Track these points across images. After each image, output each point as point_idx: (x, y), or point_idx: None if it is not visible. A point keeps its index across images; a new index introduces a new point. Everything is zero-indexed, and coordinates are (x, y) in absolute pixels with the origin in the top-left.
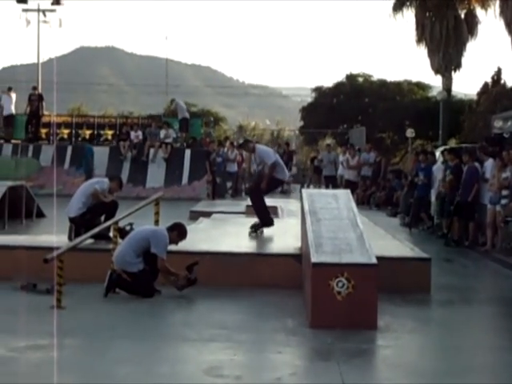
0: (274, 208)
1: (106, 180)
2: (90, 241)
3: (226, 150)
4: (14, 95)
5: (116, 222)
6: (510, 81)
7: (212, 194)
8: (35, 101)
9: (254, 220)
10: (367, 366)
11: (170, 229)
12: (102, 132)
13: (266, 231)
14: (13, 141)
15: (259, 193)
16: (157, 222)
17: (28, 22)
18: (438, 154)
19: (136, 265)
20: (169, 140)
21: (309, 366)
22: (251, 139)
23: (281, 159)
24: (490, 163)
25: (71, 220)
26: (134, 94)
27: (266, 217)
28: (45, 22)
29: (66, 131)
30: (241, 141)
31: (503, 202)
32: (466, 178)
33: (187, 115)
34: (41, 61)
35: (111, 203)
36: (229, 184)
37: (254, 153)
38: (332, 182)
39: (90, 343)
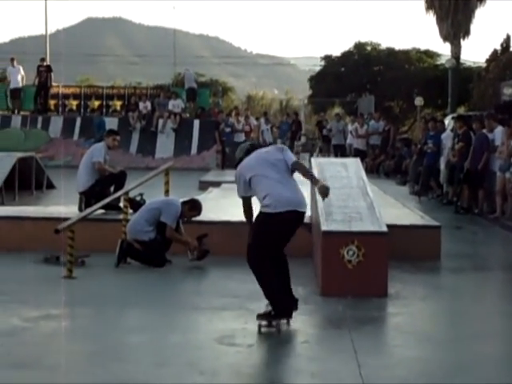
0: None
1: (101, 145)
2: (101, 211)
3: (233, 119)
4: (20, 67)
5: (126, 193)
6: None
7: (221, 163)
8: (44, 72)
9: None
10: (378, 333)
11: (184, 202)
12: (110, 103)
13: None
14: (22, 112)
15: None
16: (167, 192)
17: None
18: (447, 121)
19: (147, 233)
20: (177, 110)
21: (320, 334)
22: None
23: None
24: (499, 130)
25: (81, 193)
26: (141, 65)
27: (277, 300)
28: None
29: (75, 102)
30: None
31: None
32: (475, 146)
33: (194, 85)
34: (48, 32)
35: (120, 174)
36: None
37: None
38: (341, 151)
39: (102, 313)
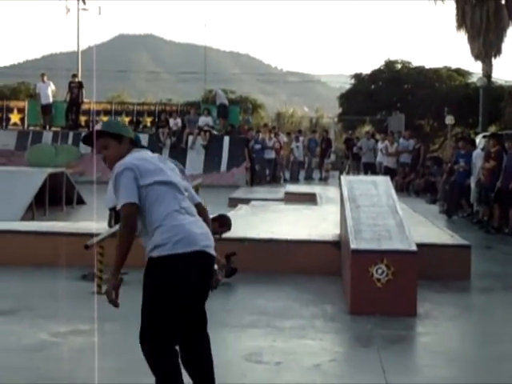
0: (313, 195)
1: None
2: None
3: (263, 136)
4: (50, 82)
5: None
6: None
7: (250, 180)
8: (75, 88)
9: (293, 207)
10: (407, 353)
11: (213, 219)
12: (140, 119)
13: (306, 218)
14: (53, 128)
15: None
16: None
17: (68, 10)
18: (477, 140)
19: None
20: (207, 127)
21: (348, 353)
22: None
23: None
24: None
25: (111, 209)
26: (172, 82)
27: None
28: (84, 9)
29: (106, 118)
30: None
31: None
32: (507, 165)
33: (226, 102)
34: (80, 49)
35: None
36: (267, 171)
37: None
38: (371, 169)
39: (131, 328)
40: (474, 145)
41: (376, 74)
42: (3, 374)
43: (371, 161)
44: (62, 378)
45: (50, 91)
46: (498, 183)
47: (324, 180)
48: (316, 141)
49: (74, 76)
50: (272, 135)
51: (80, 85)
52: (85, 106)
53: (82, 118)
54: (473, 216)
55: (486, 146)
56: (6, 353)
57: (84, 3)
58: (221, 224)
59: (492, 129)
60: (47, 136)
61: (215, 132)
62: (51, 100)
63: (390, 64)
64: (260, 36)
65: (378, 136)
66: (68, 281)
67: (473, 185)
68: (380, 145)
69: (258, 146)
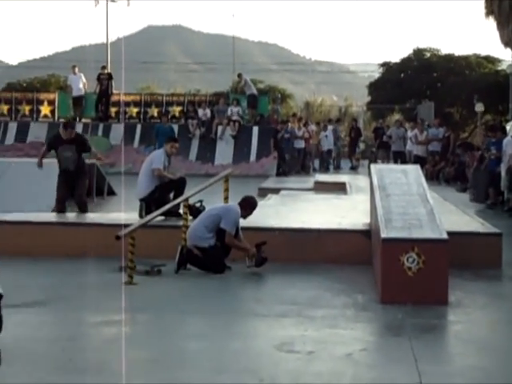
0: (343, 184)
1: (160, 151)
2: (161, 218)
3: (292, 126)
4: (81, 74)
5: (186, 199)
6: None
7: (277, 171)
8: (104, 80)
9: (323, 196)
10: (438, 342)
11: (240, 204)
12: (170, 109)
13: (336, 207)
14: (83, 120)
15: None
16: (226, 199)
17: (97, 2)
18: (508, 127)
19: (207, 240)
20: (235, 117)
21: (380, 342)
22: None
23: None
24: None
25: (141, 200)
26: (201, 72)
27: None
28: (113, 1)
29: (135, 110)
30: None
31: None
32: None
33: (255, 92)
34: (109, 40)
35: (179, 180)
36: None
37: None
38: (401, 158)
39: (162, 319)
40: (504, 132)
41: (405, 62)
42: (36, 365)
43: (401, 149)
44: (93, 369)
45: (81, 84)
46: None
47: (354, 169)
48: (337, 130)
49: (104, 68)
50: (301, 125)
51: (109, 76)
52: (114, 98)
53: (112, 110)
54: (503, 204)
55: None
56: (39, 343)
57: None
58: (247, 207)
59: None
60: (77, 128)
61: (244, 122)
62: (83, 92)
63: (418, 52)
64: (288, 25)
65: (407, 124)
66: (100, 272)
67: (503, 172)
68: (410, 133)
69: (287, 135)
